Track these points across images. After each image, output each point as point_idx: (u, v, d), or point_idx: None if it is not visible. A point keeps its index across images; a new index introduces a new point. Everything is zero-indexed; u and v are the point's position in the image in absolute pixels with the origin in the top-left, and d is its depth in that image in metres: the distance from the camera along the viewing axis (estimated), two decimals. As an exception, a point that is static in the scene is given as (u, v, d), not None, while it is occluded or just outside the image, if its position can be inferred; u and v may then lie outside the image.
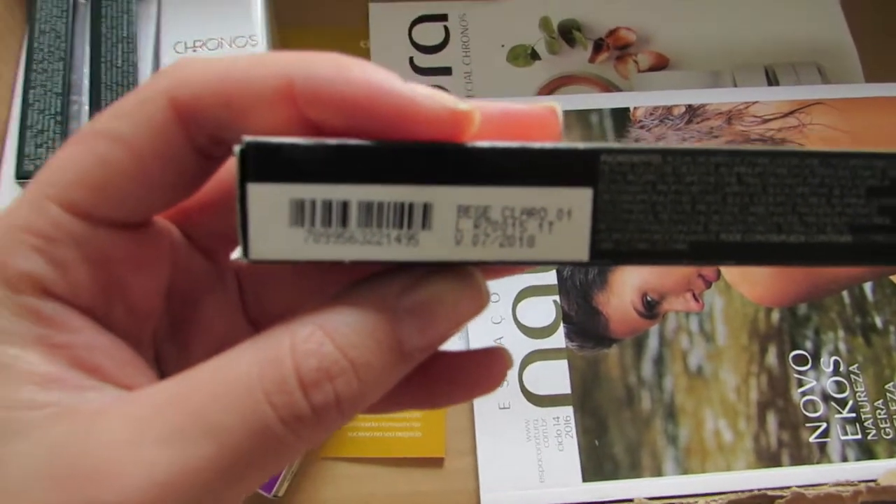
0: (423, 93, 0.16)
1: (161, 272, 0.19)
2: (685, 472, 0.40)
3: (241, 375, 0.15)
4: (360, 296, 0.16)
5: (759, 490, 0.29)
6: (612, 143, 0.16)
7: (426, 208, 0.16)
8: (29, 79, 0.41)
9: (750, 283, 0.44)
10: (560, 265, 0.15)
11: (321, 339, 0.15)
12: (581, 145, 0.16)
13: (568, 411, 0.41)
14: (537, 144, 0.16)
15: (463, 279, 0.17)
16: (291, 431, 0.15)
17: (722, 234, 0.16)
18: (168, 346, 0.20)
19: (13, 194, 0.40)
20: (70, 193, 0.16)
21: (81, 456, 0.14)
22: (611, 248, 0.16)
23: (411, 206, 0.16)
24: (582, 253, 0.16)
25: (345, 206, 0.15)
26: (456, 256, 0.16)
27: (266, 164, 0.15)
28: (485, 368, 0.19)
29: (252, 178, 0.15)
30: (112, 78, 0.41)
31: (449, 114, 0.15)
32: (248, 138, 0.15)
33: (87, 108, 0.41)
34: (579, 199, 0.16)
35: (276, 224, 0.15)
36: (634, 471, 0.40)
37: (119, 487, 0.14)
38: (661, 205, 0.16)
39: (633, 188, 0.16)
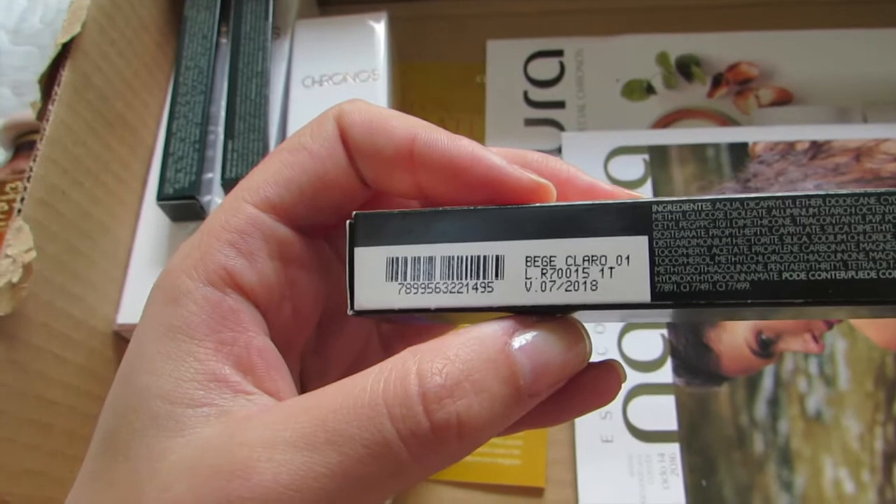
0: (513, 166, 0.18)
1: (325, 282, 0.20)
2: (800, 521, 0.38)
3: (366, 389, 0.16)
4: (477, 332, 0.17)
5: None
6: (666, 197, 0.17)
7: (498, 260, 0.18)
8: (174, 110, 0.45)
9: (877, 326, 0.42)
10: (624, 308, 0.16)
11: (446, 360, 0.16)
12: (634, 201, 0.17)
13: (674, 448, 0.40)
14: (593, 202, 0.17)
15: (566, 326, 0.18)
16: (409, 449, 0.15)
17: (784, 273, 0.16)
18: (313, 358, 0.21)
19: (155, 215, 0.44)
20: (262, 192, 0.18)
21: (223, 456, 0.15)
22: (671, 290, 0.17)
23: (485, 258, 0.18)
24: (644, 295, 0.17)
25: (430, 261, 0.18)
26: (527, 301, 0.17)
27: (368, 230, 0.18)
28: (599, 382, 0.20)
29: (358, 243, 0.18)
30: (245, 109, 0.45)
31: (533, 185, 0.18)
32: (356, 212, 0.18)
33: (222, 137, 0.44)
34: (636, 246, 0.17)
35: (375, 279, 0.18)
36: None
37: (251, 486, 0.15)
38: (717, 247, 0.17)
39: (687, 233, 0.17)
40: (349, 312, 0.18)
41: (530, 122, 0.51)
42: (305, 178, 0.19)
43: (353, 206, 0.19)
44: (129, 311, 0.42)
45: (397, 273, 0.18)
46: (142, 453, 0.16)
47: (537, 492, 0.41)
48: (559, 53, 0.53)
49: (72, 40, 0.38)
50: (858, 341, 0.42)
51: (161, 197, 0.42)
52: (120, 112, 0.44)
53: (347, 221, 0.18)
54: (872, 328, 0.42)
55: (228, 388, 0.16)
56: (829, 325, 0.42)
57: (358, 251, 0.18)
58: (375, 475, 0.15)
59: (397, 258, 0.18)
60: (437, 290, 0.17)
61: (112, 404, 0.17)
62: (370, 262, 0.18)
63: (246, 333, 0.17)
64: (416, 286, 0.18)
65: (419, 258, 0.18)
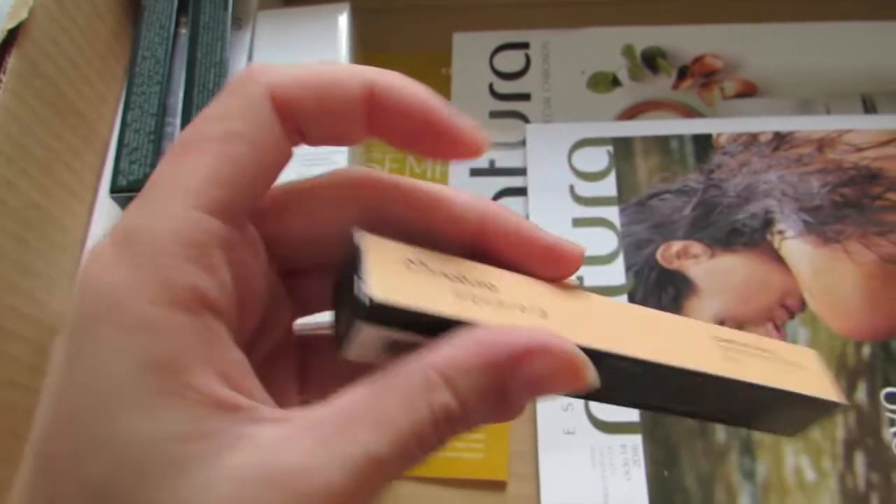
0: (462, 118, 0.18)
1: (264, 275, 0.19)
2: (762, 511, 0.38)
3: (405, 383, 0.16)
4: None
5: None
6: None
7: None
8: (129, 101, 0.44)
9: (838, 315, 0.42)
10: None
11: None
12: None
13: (636, 440, 0.40)
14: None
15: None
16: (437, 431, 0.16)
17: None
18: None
19: (110, 208, 0.43)
20: (209, 195, 0.16)
21: (270, 479, 0.14)
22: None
23: None
24: None
25: (416, 345, 0.17)
26: None
27: (377, 316, 0.16)
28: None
29: (365, 320, 0.16)
30: (203, 101, 0.44)
31: (472, 139, 0.18)
32: (376, 298, 0.16)
33: (179, 129, 0.44)
34: None
35: (369, 347, 0.17)
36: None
37: (313, 484, 0.14)
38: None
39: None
40: (340, 353, 0.17)
41: (495, 115, 0.50)
42: (248, 170, 0.17)
43: (282, 170, 0.18)
44: (83, 305, 0.41)
45: (390, 347, 0.17)
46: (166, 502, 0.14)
47: (500, 485, 0.40)
48: (525, 46, 0.52)
49: (18, 26, 0.37)
50: (820, 330, 0.41)
51: (114, 189, 0.41)
52: (72, 101, 0.43)
53: (364, 292, 0.16)
54: (835, 318, 0.42)
55: (233, 410, 0.15)
56: (791, 315, 0.42)
57: (363, 325, 0.16)
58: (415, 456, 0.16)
59: (392, 338, 0.17)
60: None
61: (81, 458, 0.15)
62: (370, 336, 0.17)
63: (225, 350, 0.16)
64: (404, 349, 0.17)
65: (411, 343, 0.17)
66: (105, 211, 0.44)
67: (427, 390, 0.16)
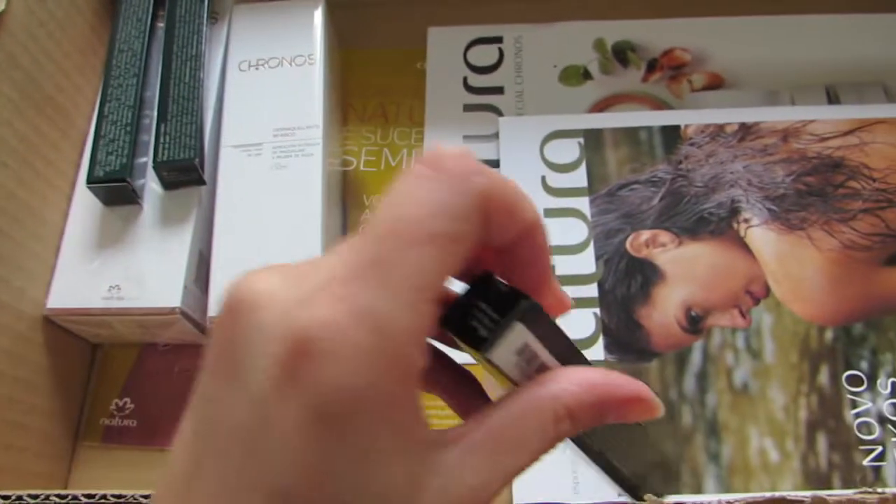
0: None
1: None
2: (727, 490, 0.39)
3: (538, 413, 0.19)
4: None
5: (778, 495, 0.28)
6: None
7: None
8: (106, 93, 0.45)
9: (802, 300, 0.43)
10: None
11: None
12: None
13: (605, 423, 0.41)
14: None
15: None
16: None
17: None
18: None
19: (88, 199, 0.44)
20: (438, 289, 0.18)
21: (460, 499, 0.18)
22: None
23: None
24: None
25: (536, 356, 0.20)
26: None
27: (531, 319, 0.19)
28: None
29: (520, 321, 0.19)
30: (179, 93, 0.44)
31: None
32: (527, 302, 0.19)
33: (155, 121, 0.44)
34: None
35: (510, 348, 0.20)
36: (673, 488, 0.39)
37: (484, 499, 0.19)
38: None
39: None
40: (481, 354, 0.20)
41: (469, 108, 0.51)
42: (462, 265, 0.18)
43: None
44: (61, 294, 0.42)
45: (523, 351, 0.20)
46: None
47: (472, 469, 0.41)
48: (498, 40, 0.53)
49: (-5, 18, 0.38)
50: (784, 315, 0.43)
51: (91, 180, 0.42)
52: (50, 94, 0.43)
53: (524, 303, 0.19)
54: (798, 303, 0.43)
55: (427, 444, 0.18)
56: (756, 301, 0.43)
57: (516, 325, 0.19)
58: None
59: (527, 344, 0.20)
60: None
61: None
62: (517, 338, 0.20)
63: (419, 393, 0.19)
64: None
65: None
66: (83, 202, 0.44)
67: (556, 421, 0.19)
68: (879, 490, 0.27)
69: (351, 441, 0.16)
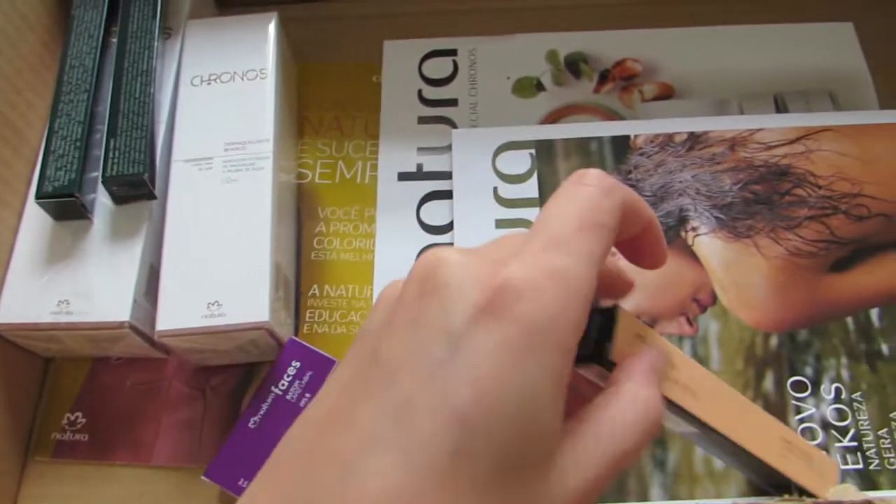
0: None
1: None
2: (673, 498, 0.39)
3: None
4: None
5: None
6: None
7: None
8: (56, 109, 0.45)
9: (748, 307, 0.43)
10: None
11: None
12: None
13: (553, 432, 0.41)
14: None
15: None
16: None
17: None
18: None
19: (38, 215, 0.44)
20: (599, 266, 0.22)
21: (585, 489, 0.21)
22: None
23: None
24: None
25: None
26: None
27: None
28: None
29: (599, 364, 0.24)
30: (129, 108, 0.45)
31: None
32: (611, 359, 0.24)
33: (105, 136, 0.44)
34: None
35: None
36: (619, 495, 0.39)
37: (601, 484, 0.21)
38: None
39: None
40: (603, 362, 0.24)
41: (424, 120, 0.52)
42: (609, 250, 0.23)
43: None
44: (9, 309, 0.42)
45: None
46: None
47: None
48: (453, 53, 0.54)
49: (-63, 36, 0.38)
50: (730, 322, 0.43)
51: (39, 195, 0.42)
52: (1, 111, 0.44)
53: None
54: (744, 309, 0.43)
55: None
56: (703, 308, 0.43)
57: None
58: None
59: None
60: None
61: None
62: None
63: None
64: None
65: None
66: (34, 218, 0.44)
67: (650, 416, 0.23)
68: (804, 498, 0.27)
69: (533, 364, 0.19)
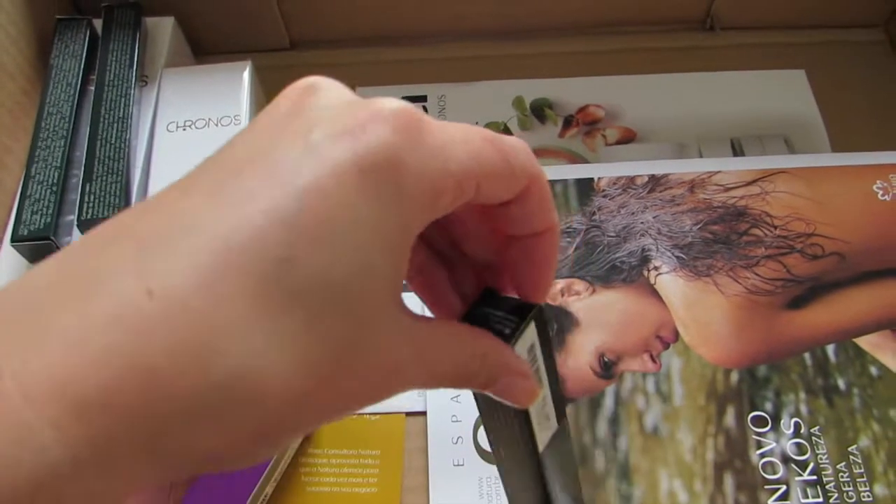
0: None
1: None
2: (638, 532, 0.40)
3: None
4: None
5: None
6: None
7: None
8: (33, 154, 0.46)
9: (709, 344, 0.45)
10: None
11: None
12: None
13: (521, 469, 0.42)
14: None
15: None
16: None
17: None
18: None
19: (14, 258, 0.44)
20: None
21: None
22: None
23: None
24: None
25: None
26: None
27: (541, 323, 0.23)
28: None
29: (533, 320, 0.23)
30: (105, 153, 0.46)
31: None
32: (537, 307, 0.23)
33: (81, 180, 0.45)
34: None
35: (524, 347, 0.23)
36: (586, 530, 0.40)
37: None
38: None
39: None
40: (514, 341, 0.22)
41: (395, 164, 0.53)
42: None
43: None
44: (-18, 353, 0.42)
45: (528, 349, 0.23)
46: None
47: (391, 518, 0.42)
48: (423, 99, 0.56)
49: (-84, 85, 0.39)
50: (692, 359, 0.44)
51: (15, 238, 0.43)
52: (-24, 157, 0.44)
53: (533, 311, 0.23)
54: (705, 347, 0.45)
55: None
56: (666, 345, 0.45)
57: (529, 324, 0.23)
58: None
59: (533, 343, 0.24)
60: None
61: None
62: (529, 336, 0.23)
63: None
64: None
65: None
66: (7, 260, 0.45)
67: (472, 359, 0.21)
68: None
69: (375, 192, 0.17)
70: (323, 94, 0.19)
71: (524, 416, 0.24)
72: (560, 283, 0.47)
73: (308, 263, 0.16)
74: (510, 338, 0.22)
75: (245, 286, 0.16)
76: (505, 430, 0.26)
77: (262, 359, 0.16)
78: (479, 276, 0.24)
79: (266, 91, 0.53)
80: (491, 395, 0.22)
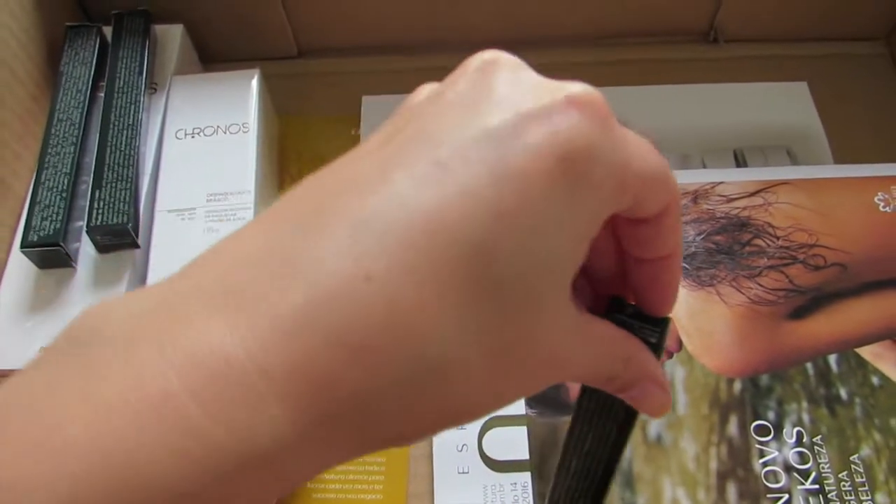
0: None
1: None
2: (641, 540, 0.40)
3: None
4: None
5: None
6: None
7: None
8: (43, 161, 0.46)
9: (712, 354, 0.45)
10: None
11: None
12: None
13: (526, 477, 0.42)
14: None
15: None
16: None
17: None
18: None
19: (23, 263, 0.45)
20: None
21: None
22: None
23: None
24: None
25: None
26: None
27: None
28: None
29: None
30: (115, 160, 0.46)
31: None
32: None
33: (91, 186, 0.46)
34: None
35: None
36: (590, 538, 0.40)
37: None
38: None
39: None
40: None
41: (401, 172, 0.53)
42: None
43: None
44: (-6, 356, 0.42)
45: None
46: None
47: (396, 524, 0.42)
48: (429, 108, 0.56)
49: (-70, 92, 0.39)
50: (695, 368, 0.45)
51: (24, 244, 0.43)
52: (-13, 162, 0.45)
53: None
54: (708, 356, 0.45)
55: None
56: (670, 355, 0.45)
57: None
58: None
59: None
60: None
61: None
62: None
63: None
64: None
65: None
66: (17, 265, 0.45)
67: (617, 363, 0.21)
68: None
69: (570, 181, 0.17)
70: (507, 72, 0.19)
71: (629, 429, 0.24)
72: (565, 292, 0.47)
73: (507, 253, 0.16)
74: (656, 347, 0.22)
75: (452, 273, 0.16)
76: (590, 442, 0.26)
77: (454, 346, 0.16)
78: (592, 285, 0.24)
79: (274, 99, 0.54)
80: (624, 399, 0.22)
